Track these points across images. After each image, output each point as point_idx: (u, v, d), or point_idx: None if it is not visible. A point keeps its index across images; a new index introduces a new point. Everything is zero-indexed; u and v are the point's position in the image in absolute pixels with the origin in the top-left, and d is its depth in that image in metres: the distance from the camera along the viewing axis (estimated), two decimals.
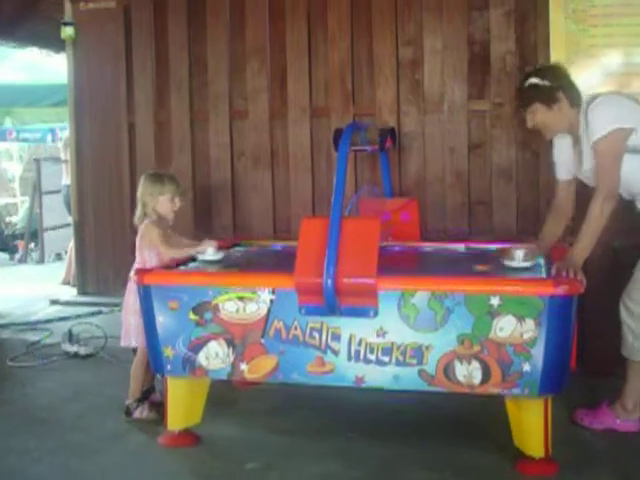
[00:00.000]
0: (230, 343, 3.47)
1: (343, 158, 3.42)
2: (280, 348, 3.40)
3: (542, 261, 3.72)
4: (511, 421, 3.40)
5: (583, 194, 3.59)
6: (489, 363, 3.20)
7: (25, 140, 14.85)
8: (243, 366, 3.47)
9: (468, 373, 3.23)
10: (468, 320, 3.18)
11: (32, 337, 5.80)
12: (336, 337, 3.34)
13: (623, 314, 3.64)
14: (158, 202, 4.06)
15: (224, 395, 4.13)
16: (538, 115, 3.58)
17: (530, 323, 3.12)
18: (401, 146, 4.78)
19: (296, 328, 3.38)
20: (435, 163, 4.79)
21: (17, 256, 10.24)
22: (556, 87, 3.54)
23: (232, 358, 3.48)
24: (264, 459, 3.54)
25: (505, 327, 3.15)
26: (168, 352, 3.55)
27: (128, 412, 4.06)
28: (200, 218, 4.95)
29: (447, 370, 3.24)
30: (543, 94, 3.55)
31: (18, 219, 11.53)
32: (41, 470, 3.51)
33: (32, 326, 6.16)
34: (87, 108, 6.54)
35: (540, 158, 4.30)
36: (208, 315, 3.46)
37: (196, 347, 3.51)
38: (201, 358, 3.51)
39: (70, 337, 5.43)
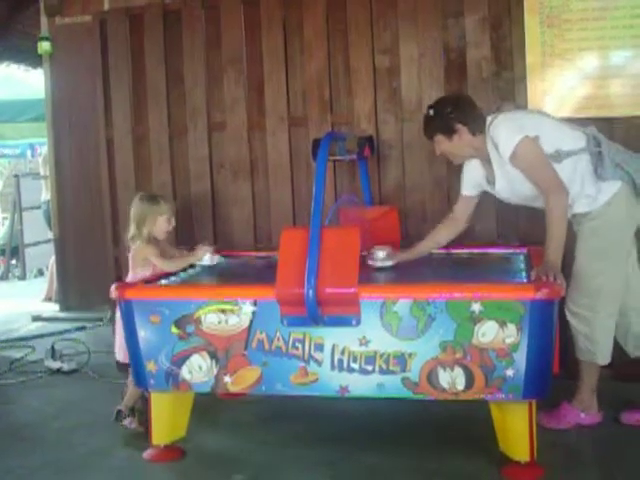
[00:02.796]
0: (213, 356, 3.45)
1: (322, 168, 3.42)
2: (263, 359, 3.39)
3: (522, 265, 3.75)
4: (496, 426, 3.41)
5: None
6: (472, 369, 3.20)
7: (4, 156, 14.83)
8: (227, 378, 3.46)
9: (452, 379, 3.23)
10: (450, 327, 3.19)
11: (14, 354, 5.76)
12: (319, 347, 3.33)
13: (570, 319, 3.71)
14: (156, 222, 4.08)
15: (209, 406, 4.12)
16: (441, 145, 3.73)
17: (512, 328, 3.13)
18: (380, 155, 4.78)
19: (279, 339, 3.37)
20: (414, 171, 4.79)
21: None
22: (453, 118, 3.64)
23: (215, 371, 3.47)
24: (251, 471, 3.53)
25: (487, 333, 3.16)
26: (151, 366, 3.54)
27: (119, 417, 4.04)
28: (182, 230, 4.90)
29: (431, 377, 3.25)
30: (442, 126, 3.68)
31: None
32: None
33: (14, 343, 6.12)
34: (65, 123, 6.55)
35: None
36: (190, 328, 3.45)
37: (179, 361, 3.49)
38: (184, 372, 3.50)
39: (53, 353, 5.39)
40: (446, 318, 3.18)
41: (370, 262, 3.86)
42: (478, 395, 3.23)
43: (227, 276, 4.08)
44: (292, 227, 3.52)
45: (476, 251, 4.32)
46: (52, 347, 5.46)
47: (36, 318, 6.96)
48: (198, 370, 3.49)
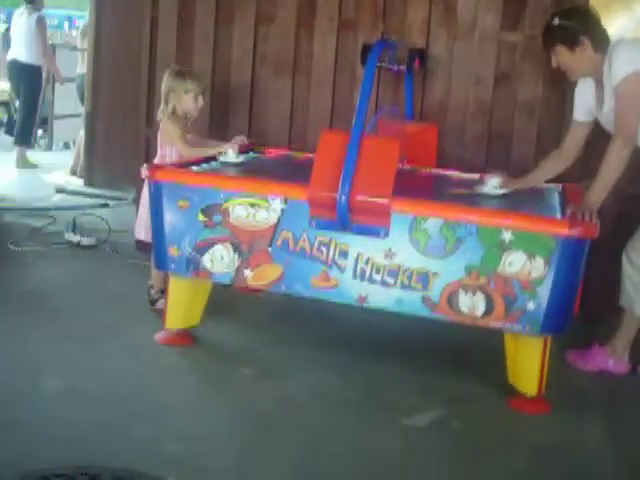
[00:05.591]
0: (236, 248, 3.44)
1: (370, 74, 3.33)
2: (286, 258, 3.38)
3: (557, 200, 3.69)
4: (507, 357, 3.41)
5: (601, 139, 3.53)
6: (494, 296, 3.18)
7: None
8: (247, 272, 3.46)
9: (472, 304, 3.22)
10: (478, 251, 3.15)
11: (35, 223, 5.76)
12: (343, 254, 3.31)
13: (625, 265, 3.66)
14: (182, 99, 4.01)
15: (225, 300, 4.11)
16: (561, 57, 3.54)
17: (540, 261, 3.10)
18: (427, 70, 4.66)
19: (304, 240, 3.35)
20: (459, 91, 4.67)
21: None
22: (580, 30, 3.47)
23: (237, 263, 3.46)
24: (259, 366, 3.57)
25: (514, 262, 3.13)
26: (173, 251, 3.53)
27: (152, 302, 4.10)
28: (216, 121, 4.85)
29: (451, 299, 3.23)
30: (566, 36, 3.49)
31: None
32: (38, 354, 3.53)
33: (35, 212, 6.12)
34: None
35: (567, 96, 4.19)
36: (217, 218, 3.43)
37: (202, 249, 3.49)
38: (206, 260, 3.50)
39: (74, 226, 5.42)
40: (475, 242, 3.15)
41: (481, 188, 3.73)
42: (495, 323, 3.22)
43: (256, 172, 4.02)
44: (332, 130, 3.45)
45: None
46: (73, 220, 5.48)
47: (60, 190, 6.95)
48: (220, 260, 3.48)
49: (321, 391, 3.39)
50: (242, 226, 3.41)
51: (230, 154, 3.94)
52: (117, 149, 6.56)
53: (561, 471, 2.90)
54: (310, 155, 4.34)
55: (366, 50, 4.01)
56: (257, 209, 3.38)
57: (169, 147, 4.01)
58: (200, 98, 4.07)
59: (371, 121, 3.73)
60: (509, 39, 4.56)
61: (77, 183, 7.20)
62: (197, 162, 3.86)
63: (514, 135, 4.57)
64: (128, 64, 6.08)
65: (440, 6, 4.67)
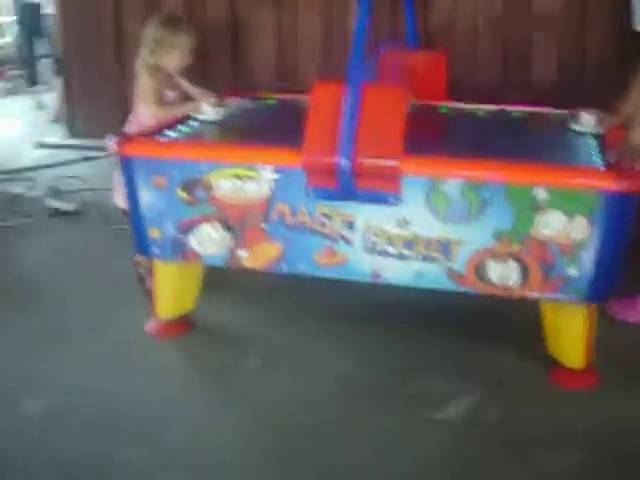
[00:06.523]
0: (226, 226, 2.98)
1: (365, 6, 2.79)
2: (284, 235, 2.92)
3: (593, 141, 3.16)
4: (546, 328, 2.98)
5: None
6: (529, 264, 2.73)
7: None
8: (242, 252, 3.01)
9: (504, 273, 2.77)
10: (507, 214, 2.68)
11: (14, 189, 5.29)
12: (349, 225, 2.85)
13: None
14: (168, 55, 3.50)
15: (219, 273, 3.65)
16: None
17: (581, 221, 2.63)
18: None
19: (303, 213, 2.88)
20: (466, 7, 4.08)
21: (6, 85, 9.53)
22: None
23: (229, 243, 3.01)
24: (265, 354, 3.16)
25: (551, 224, 2.66)
26: (155, 233, 3.08)
27: (141, 279, 3.61)
28: (195, 62, 4.29)
29: (479, 269, 2.78)
30: None
31: (3, 43, 10.66)
32: (11, 358, 3.14)
33: (14, 175, 5.63)
34: None
35: (588, 8, 3.64)
36: (200, 193, 2.95)
37: (187, 229, 3.03)
38: (193, 241, 3.04)
39: (54, 192, 4.96)
40: (503, 204, 2.67)
41: (575, 126, 3.26)
42: (533, 293, 2.78)
43: (241, 130, 3.48)
44: (325, 81, 2.92)
45: (533, 110, 3.70)
46: (53, 186, 5.02)
47: (40, 145, 6.44)
48: (209, 241, 3.03)
49: (339, 380, 2.97)
50: (230, 201, 2.93)
51: (207, 111, 3.44)
52: (95, 95, 6.00)
53: (621, 458, 2.51)
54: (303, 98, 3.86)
55: None
56: (245, 180, 2.89)
57: (144, 106, 3.51)
58: (187, 56, 3.56)
59: (370, 60, 3.21)
60: None
61: (59, 134, 6.65)
62: (172, 125, 3.34)
63: (531, 54, 4.01)
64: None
65: None
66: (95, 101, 6.13)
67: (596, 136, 3.19)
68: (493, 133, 3.38)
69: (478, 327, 3.36)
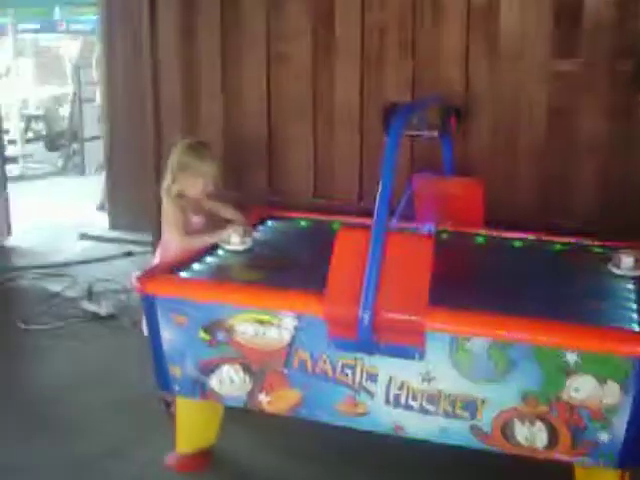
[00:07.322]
0: (247, 369, 2.92)
1: (390, 160, 2.72)
2: (305, 382, 2.84)
3: (632, 291, 3.02)
4: None
5: None
6: (557, 426, 2.60)
7: (76, 32, 14.13)
8: (262, 397, 2.94)
9: (531, 435, 2.64)
10: (536, 375, 2.56)
11: (53, 286, 5.33)
12: (372, 377, 2.76)
13: None
14: (190, 182, 3.48)
15: None
16: None
17: (613, 387, 2.49)
18: (469, 109, 3.99)
19: (325, 362, 2.80)
20: (507, 132, 4.01)
21: (60, 162, 9.72)
22: None
23: (249, 386, 2.94)
24: None
25: (582, 388, 2.53)
26: (176, 371, 3.03)
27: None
28: (230, 176, 4.28)
29: (506, 429, 2.65)
30: None
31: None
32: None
33: (54, 270, 5.67)
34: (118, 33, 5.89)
35: (635, 133, 3.54)
36: (221, 336, 2.90)
37: (207, 369, 2.97)
38: (213, 382, 2.98)
39: (90, 295, 4.97)
40: (532, 365, 2.55)
41: (614, 269, 3.17)
42: (561, 456, 2.64)
43: (267, 264, 3.36)
44: (349, 227, 2.86)
45: (572, 243, 3.58)
46: (89, 287, 5.04)
47: (83, 236, 6.51)
48: (229, 382, 2.96)
49: None
50: (251, 345, 2.87)
51: (234, 241, 3.39)
52: (139, 189, 6.04)
53: None
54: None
55: (388, 113, 3.36)
56: (266, 327, 2.83)
57: (169, 234, 3.49)
58: (211, 184, 3.53)
59: (404, 195, 3.15)
60: (562, 68, 3.85)
61: (102, 225, 6.73)
62: (198, 256, 3.31)
63: (575, 180, 3.90)
64: (138, 109, 5.53)
65: (478, 34, 3.98)
66: (136, 195, 6.18)
67: (635, 279, 3.08)
68: (526, 274, 3.25)
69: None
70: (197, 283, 3.08)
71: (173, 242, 3.46)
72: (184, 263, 3.22)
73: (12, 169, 9.26)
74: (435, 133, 3.55)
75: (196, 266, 3.23)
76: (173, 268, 3.15)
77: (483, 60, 4.00)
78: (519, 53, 3.93)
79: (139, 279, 2.99)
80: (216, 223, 3.62)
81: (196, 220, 3.56)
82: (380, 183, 2.69)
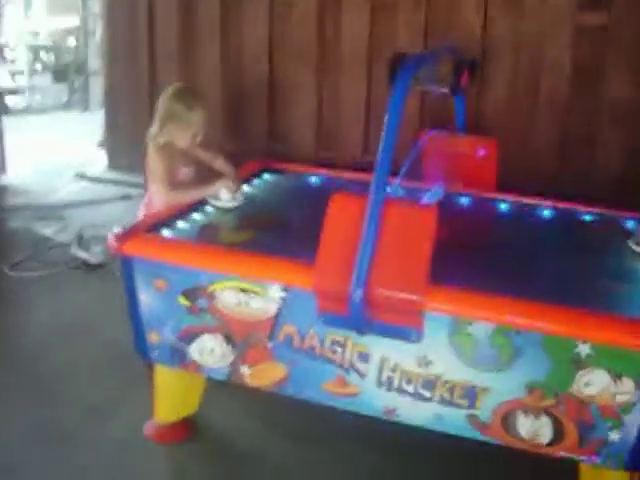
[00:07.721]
0: (229, 339, 2.69)
1: (394, 118, 2.44)
2: (291, 357, 2.61)
3: None
4: None
5: None
6: (564, 422, 2.37)
7: None
8: (244, 369, 2.72)
9: (533, 429, 2.41)
10: (543, 366, 2.32)
11: (44, 229, 5.12)
12: (363, 356, 2.52)
13: None
14: (179, 133, 3.21)
15: None
16: None
17: (628, 383, 2.25)
18: (485, 60, 3.68)
19: (312, 337, 2.57)
20: (526, 86, 3.69)
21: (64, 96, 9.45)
22: None
23: (231, 357, 2.71)
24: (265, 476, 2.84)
25: (593, 383, 2.29)
26: (154, 337, 2.80)
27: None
28: (229, 124, 4.00)
29: (507, 421, 2.43)
30: None
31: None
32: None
33: (46, 213, 5.44)
34: None
35: None
36: (202, 302, 2.66)
37: (187, 338, 2.75)
38: (193, 351, 2.76)
39: (80, 241, 4.75)
40: (539, 354, 2.31)
41: (635, 247, 2.92)
42: (566, 453, 2.42)
43: (257, 224, 3.11)
44: (344, 193, 2.59)
45: (593, 215, 3.31)
46: (79, 233, 4.82)
47: (80, 176, 6.26)
48: (210, 353, 2.74)
49: None
50: (233, 315, 2.64)
51: (223, 196, 3.14)
52: (138, 128, 5.76)
53: None
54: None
55: (395, 65, 3.04)
56: (250, 296, 2.59)
57: (154, 186, 3.24)
58: (199, 136, 3.27)
59: (411, 153, 2.88)
60: (589, 21, 3.52)
61: (100, 165, 6.46)
62: (184, 212, 3.05)
63: (596, 143, 3.60)
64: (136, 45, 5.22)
65: None
66: (136, 134, 5.91)
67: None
68: (544, 248, 2.99)
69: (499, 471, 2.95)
70: (177, 245, 2.81)
71: (158, 196, 3.21)
72: (168, 220, 2.97)
73: (18, 101, 9.07)
74: (446, 89, 3.24)
75: (181, 224, 2.98)
76: (155, 226, 2.90)
77: (501, 9, 3.65)
78: (542, 1, 3.58)
79: (116, 238, 2.74)
80: (207, 174, 3.35)
81: (185, 171, 3.31)
82: (380, 145, 2.42)
